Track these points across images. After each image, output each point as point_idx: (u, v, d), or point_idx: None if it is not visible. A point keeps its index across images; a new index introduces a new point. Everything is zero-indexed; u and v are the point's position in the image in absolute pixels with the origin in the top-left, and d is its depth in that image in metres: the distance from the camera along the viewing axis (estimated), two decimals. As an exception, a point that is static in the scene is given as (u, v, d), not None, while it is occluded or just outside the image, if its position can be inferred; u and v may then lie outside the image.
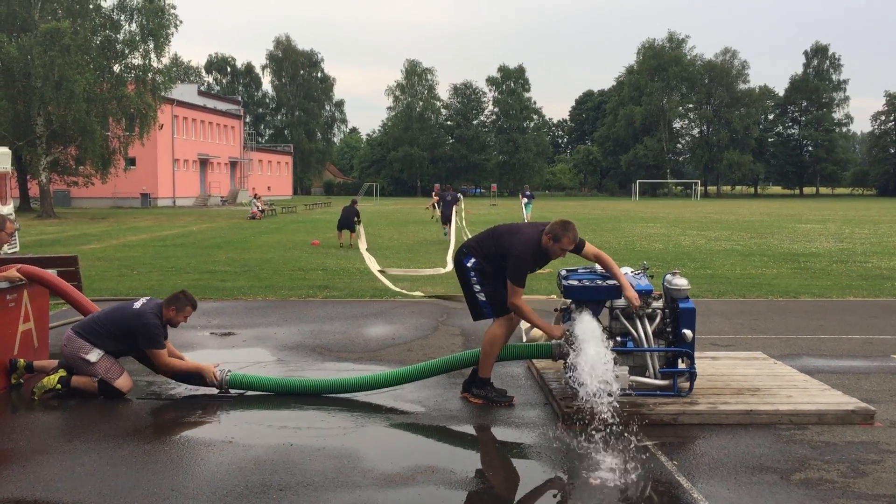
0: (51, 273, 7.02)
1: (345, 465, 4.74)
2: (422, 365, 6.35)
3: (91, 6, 42.48)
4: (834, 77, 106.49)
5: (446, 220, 22.45)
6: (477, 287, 6.02)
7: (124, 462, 4.79)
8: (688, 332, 5.74)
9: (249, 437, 5.28)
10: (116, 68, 42.92)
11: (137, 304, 6.32)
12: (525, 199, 36.69)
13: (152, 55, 42.87)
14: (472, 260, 6.03)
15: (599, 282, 5.85)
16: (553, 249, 5.85)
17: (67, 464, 4.77)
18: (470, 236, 7.61)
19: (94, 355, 6.15)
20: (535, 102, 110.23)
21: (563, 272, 6.12)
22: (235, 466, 4.71)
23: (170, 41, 43.05)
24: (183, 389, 6.42)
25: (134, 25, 42.73)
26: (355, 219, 20.65)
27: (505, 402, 6.00)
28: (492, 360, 6.05)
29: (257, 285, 12.88)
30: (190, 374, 6.34)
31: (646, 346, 5.82)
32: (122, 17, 42.81)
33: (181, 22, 43.64)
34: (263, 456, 4.89)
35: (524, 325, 7.33)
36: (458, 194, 25.31)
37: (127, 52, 42.66)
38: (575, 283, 5.89)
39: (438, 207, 26.81)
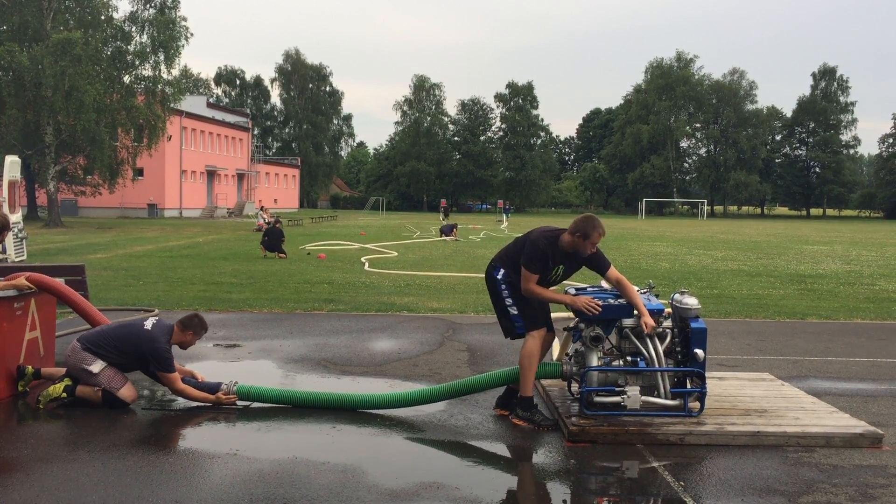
0: (59, 282, 7.02)
1: (349, 480, 4.72)
2: (425, 390, 6.33)
3: (103, 17, 42.84)
4: (842, 99, 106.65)
5: (446, 234, 33.91)
6: (508, 300, 5.92)
7: (128, 472, 4.78)
8: (700, 352, 5.69)
9: (254, 450, 5.26)
10: (126, 79, 43.25)
11: (148, 325, 6.29)
12: (506, 212, 54.72)
13: (162, 67, 43.26)
14: (502, 272, 5.95)
15: (611, 300, 5.81)
16: (583, 246, 5.80)
17: (72, 473, 4.76)
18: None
19: (96, 366, 6.15)
20: (542, 119, 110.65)
21: (573, 290, 6.09)
22: (240, 479, 4.69)
23: (180, 53, 43.41)
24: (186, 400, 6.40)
25: (145, 37, 43.14)
26: (282, 239, 22.31)
27: (550, 425, 5.82)
28: (531, 377, 5.88)
29: (263, 297, 12.88)
30: (202, 400, 6.32)
31: (657, 365, 5.77)
32: (133, 29, 43.23)
33: (192, 34, 44.06)
34: (268, 469, 4.87)
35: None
36: (456, 225, 36.97)
37: (137, 63, 43.01)
38: None
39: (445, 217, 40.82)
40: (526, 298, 5.89)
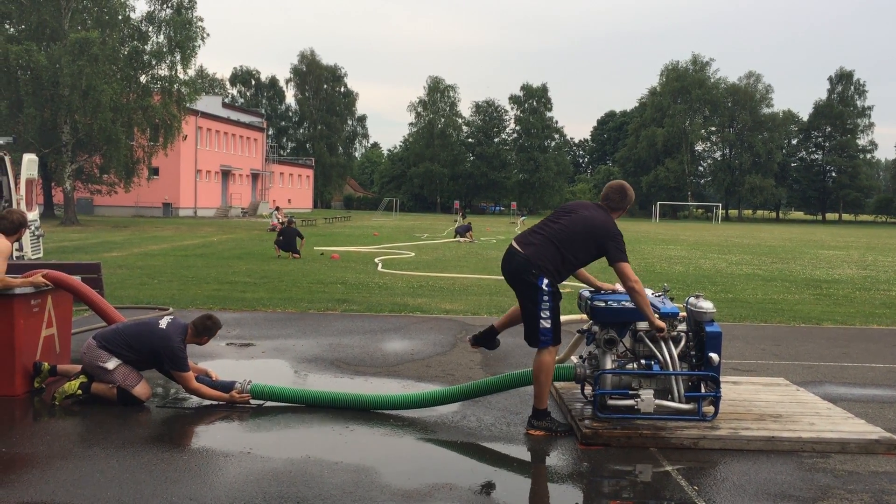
0: (76, 279, 7.07)
1: (362, 480, 4.72)
2: (438, 391, 6.35)
3: (120, 17, 43.10)
4: (858, 103, 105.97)
5: (461, 234, 34.51)
6: (545, 313, 5.65)
7: (143, 470, 4.80)
8: (714, 356, 5.65)
9: (267, 449, 5.28)
10: (143, 79, 43.47)
11: (163, 324, 6.34)
12: (522, 217, 59.14)
13: (179, 67, 43.47)
14: (546, 281, 5.64)
15: (626, 303, 5.79)
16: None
17: (87, 470, 4.79)
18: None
19: (111, 364, 6.19)
20: (556, 122, 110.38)
21: (587, 293, 6.07)
22: (253, 477, 4.71)
23: (196, 53, 43.57)
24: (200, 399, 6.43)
25: (161, 37, 43.33)
26: (298, 238, 22.05)
27: (565, 430, 5.78)
28: (548, 389, 5.80)
29: (277, 297, 12.92)
30: (216, 398, 6.35)
31: (671, 369, 5.74)
32: (150, 29, 43.42)
33: (208, 35, 44.17)
34: (281, 467, 4.89)
35: None
36: (469, 223, 37.00)
37: (154, 63, 43.21)
38: (601, 304, 5.83)
39: (462, 219, 40.36)
40: (558, 312, 5.74)
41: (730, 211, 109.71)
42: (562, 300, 5.86)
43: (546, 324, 5.67)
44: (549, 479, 5.05)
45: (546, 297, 5.66)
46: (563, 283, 5.99)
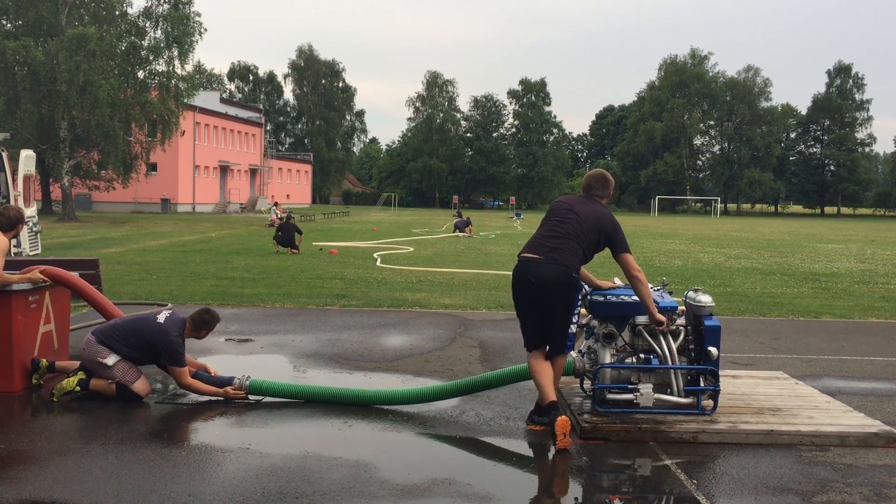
0: (74, 275, 7.05)
1: (361, 475, 4.72)
2: (437, 386, 6.36)
3: (117, 12, 43.03)
4: (857, 96, 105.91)
5: (460, 229, 34.54)
6: (575, 317, 5.64)
7: (142, 465, 4.79)
8: (713, 350, 5.65)
9: (266, 444, 5.27)
10: (140, 74, 43.40)
11: (161, 318, 6.32)
12: (518, 215, 60.68)
13: (176, 62, 43.39)
14: (581, 284, 5.65)
15: (625, 297, 5.78)
16: None
17: (85, 466, 4.78)
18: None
19: (110, 359, 6.18)
20: (555, 116, 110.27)
21: (586, 287, 6.06)
22: (252, 473, 4.70)
23: (194, 48, 43.48)
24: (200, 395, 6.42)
25: (159, 32, 43.28)
26: (297, 234, 21.90)
27: None
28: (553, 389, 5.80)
29: (275, 292, 12.91)
30: (210, 394, 6.34)
31: (670, 363, 5.74)
32: (147, 24, 43.37)
33: (205, 30, 44.09)
34: (280, 463, 4.88)
35: None
36: (468, 218, 37.41)
37: (151, 58, 43.13)
38: (600, 298, 5.83)
39: (460, 216, 39.78)
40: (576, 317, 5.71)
41: (728, 205, 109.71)
42: None
43: (574, 328, 5.67)
44: (549, 473, 5.05)
45: (580, 302, 5.67)
46: None
